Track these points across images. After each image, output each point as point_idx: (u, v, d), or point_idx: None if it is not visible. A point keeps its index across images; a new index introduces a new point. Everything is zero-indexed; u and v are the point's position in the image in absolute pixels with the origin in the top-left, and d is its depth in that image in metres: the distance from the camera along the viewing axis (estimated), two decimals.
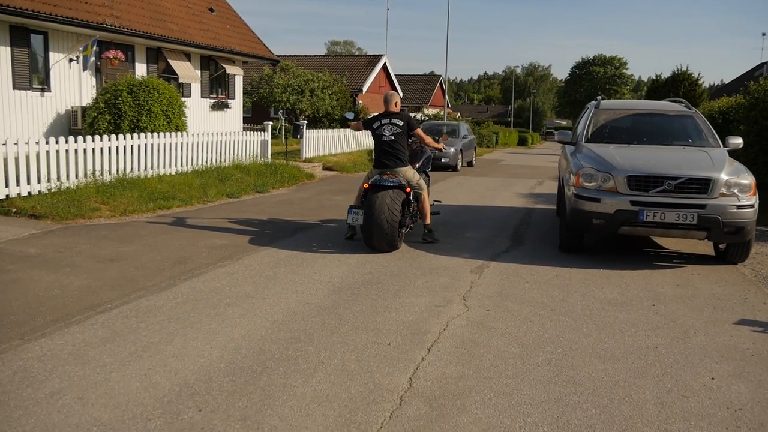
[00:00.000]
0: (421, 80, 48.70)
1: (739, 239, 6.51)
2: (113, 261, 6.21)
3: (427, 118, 31.12)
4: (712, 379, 3.79)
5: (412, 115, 34.63)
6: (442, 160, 18.96)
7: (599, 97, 9.19)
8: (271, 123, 15.24)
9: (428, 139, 7.59)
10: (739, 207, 6.33)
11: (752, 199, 6.44)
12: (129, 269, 5.92)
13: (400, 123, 7.21)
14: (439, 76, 50.80)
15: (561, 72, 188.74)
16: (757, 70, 39.09)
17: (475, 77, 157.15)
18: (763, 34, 51.24)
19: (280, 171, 13.50)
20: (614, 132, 8.02)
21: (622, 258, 7.08)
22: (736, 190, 6.40)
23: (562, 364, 3.92)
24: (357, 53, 72.77)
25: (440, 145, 7.93)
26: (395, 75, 38.48)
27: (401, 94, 40.59)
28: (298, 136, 14.89)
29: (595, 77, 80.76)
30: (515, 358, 4.01)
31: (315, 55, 37.17)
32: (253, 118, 28.64)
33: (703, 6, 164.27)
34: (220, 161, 13.01)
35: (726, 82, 47.49)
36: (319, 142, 18.18)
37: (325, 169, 16.53)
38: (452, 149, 19.26)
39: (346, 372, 3.68)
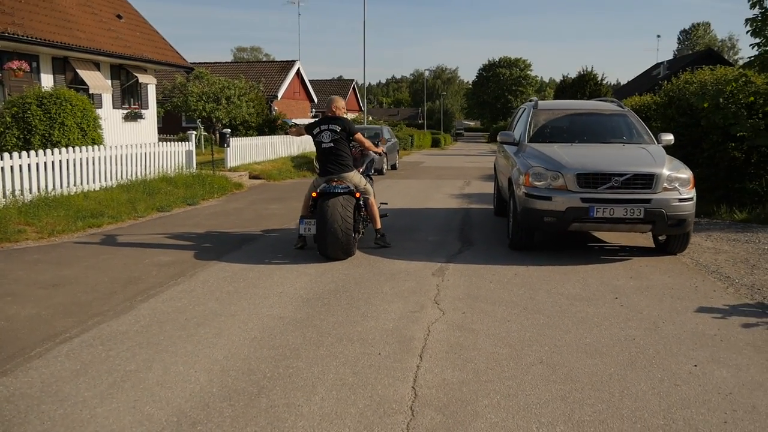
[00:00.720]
0: (334, 85, 48.64)
1: (680, 231, 6.85)
2: (57, 286, 5.78)
3: None
4: (695, 366, 3.94)
5: None
6: None
7: (534, 99, 9.44)
8: (194, 132, 14.77)
9: (368, 143, 7.50)
10: (681, 200, 6.66)
11: (691, 192, 6.80)
12: (77, 294, 5.52)
13: (338, 129, 6.97)
14: (351, 80, 51.09)
15: (468, 74, 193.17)
16: (654, 70, 41.54)
17: (384, 81, 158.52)
18: (658, 36, 54.53)
19: (209, 182, 13.09)
20: (555, 132, 8.26)
21: (571, 254, 7.30)
22: (677, 185, 6.73)
23: (554, 362, 3.97)
24: (264, 59, 71.78)
25: (380, 149, 7.89)
26: (309, 80, 38.19)
27: (316, 100, 40.36)
28: (225, 145, 14.49)
29: (502, 79, 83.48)
30: (507, 359, 4.02)
31: (227, 62, 36.38)
32: (165, 128, 27.61)
33: (599, 9, 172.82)
34: (146, 174, 12.44)
35: (623, 83, 50.27)
36: (244, 151, 17.75)
37: (252, 177, 16.16)
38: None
39: (346, 386, 3.57)
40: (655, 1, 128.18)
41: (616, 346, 4.28)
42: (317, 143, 7.08)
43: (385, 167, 20.13)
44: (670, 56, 60.66)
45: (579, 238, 8.28)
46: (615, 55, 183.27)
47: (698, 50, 45.29)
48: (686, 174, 6.85)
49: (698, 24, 74.26)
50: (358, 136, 7.24)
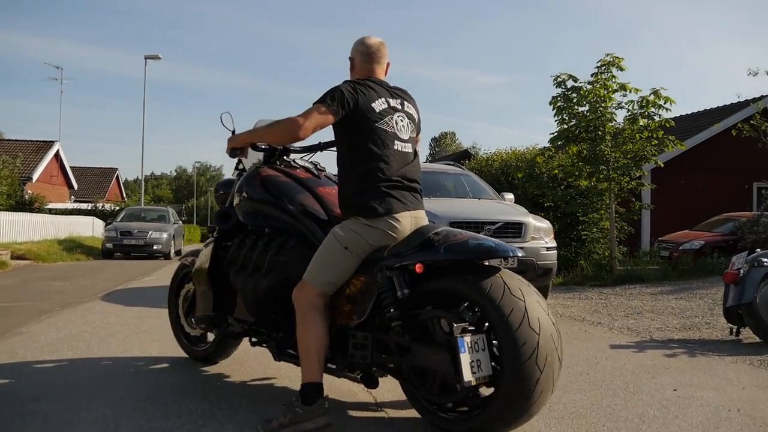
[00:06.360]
0: (97, 173, 44.57)
1: (545, 281, 6.78)
2: None
3: (120, 207, 27.82)
4: (675, 390, 3.57)
5: (92, 205, 30.99)
6: (154, 247, 17.10)
7: None
8: None
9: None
10: (548, 249, 6.63)
11: (554, 242, 6.82)
12: None
13: (415, 115, 3.05)
14: (115, 169, 47.37)
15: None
16: None
17: (140, 176, 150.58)
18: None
19: None
20: None
21: None
22: (541, 234, 6.71)
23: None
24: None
25: None
26: (70, 167, 34.46)
27: (75, 186, 36.47)
28: None
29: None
30: None
31: None
32: None
33: None
34: None
35: None
36: (3, 227, 14.90)
37: (15, 258, 13.45)
38: (165, 235, 17.51)
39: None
40: None
41: (577, 381, 3.77)
42: (380, 133, 2.83)
43: (173, 251, 18.26)
44: (425, 158, 66.90)
45: None
46: None
47: (458, 151, 50.63)
48: (547, 223, 6.90)
49: (446, 133, 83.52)
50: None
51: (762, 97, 16.11)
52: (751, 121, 13.24)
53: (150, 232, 17.26)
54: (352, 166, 2.82)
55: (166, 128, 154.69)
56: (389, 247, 2.74)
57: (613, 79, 10.10)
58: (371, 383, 2.86)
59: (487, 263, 2.75)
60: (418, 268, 2.66)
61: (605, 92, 10.07)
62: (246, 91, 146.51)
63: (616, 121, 10.28)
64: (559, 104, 10.39)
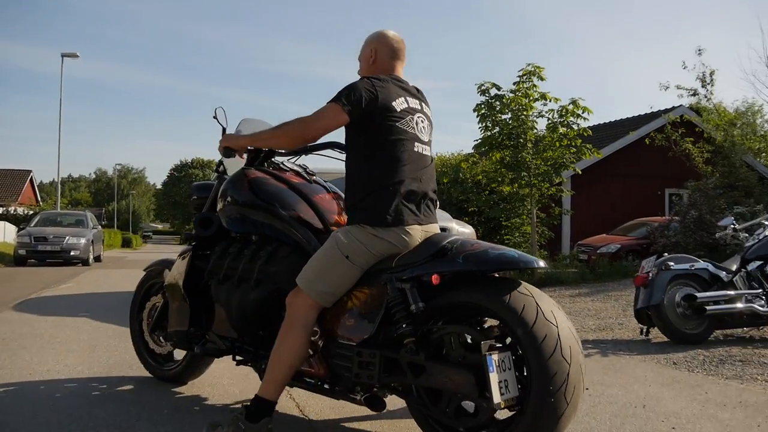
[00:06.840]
0: (9, 175, 42.29)
1: None
2: None
3: (34, 211, 26.52)
4: (587, 389, 3.74)
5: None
6: (72, 253, 16.43)
7: None
8: None
9: None
10: None
11: None
12: None
13: (432, 118, 2.90)
14: (29, 171, 45.20)
15: (155, 176, 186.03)
16: None
17: (57, 179, 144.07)
18: None
19: None
20: None
21: None
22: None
23: None
24: None
25: None
26: None
27: None
28: None
29: (194, 179, 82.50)
30: None
31: None
32: None
33: None
34: None
35: None
36: None
37: None
38: (83, 240, 16.85)
39: None
40: None
41: None
42: (401, 133, 2.65)
43: (91, 257, 17.58)
44: None
45: None
46: None
47: None
48: (470, 228, 7.08)
49: None
50: None
51: (673, 108, 17.07)
52: (663, 132, 13.98)
53: (67, 238, 16.59)
54: (365, 167, 2.61)
55: (86, 128, 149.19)
56: (398, 257, 2.50)
57: (534, 89, 10.46)
58: (377, 406, 2.60)
59: (498, 275, 2.53)
60: (435, 279, 2.40)
61: (527, 101, 10.42)
62: (170, 90, 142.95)
63: (537, 129, 10.66)
64: (482, 112, 10.69)
